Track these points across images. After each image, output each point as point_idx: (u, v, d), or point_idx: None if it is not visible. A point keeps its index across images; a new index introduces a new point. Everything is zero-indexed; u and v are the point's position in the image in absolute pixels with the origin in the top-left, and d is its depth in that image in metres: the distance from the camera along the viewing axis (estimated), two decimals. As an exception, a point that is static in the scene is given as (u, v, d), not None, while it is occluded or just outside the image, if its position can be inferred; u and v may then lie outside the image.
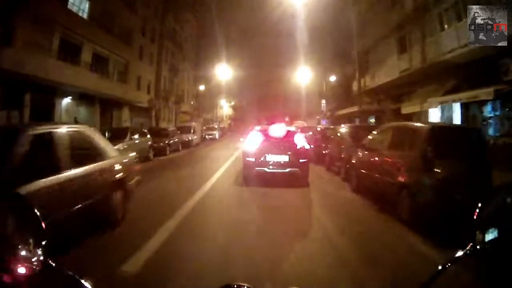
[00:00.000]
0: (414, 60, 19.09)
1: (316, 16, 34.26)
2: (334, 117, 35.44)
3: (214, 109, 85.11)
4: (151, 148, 17.50)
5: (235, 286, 1.18)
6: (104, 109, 27.61)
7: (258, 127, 11.10)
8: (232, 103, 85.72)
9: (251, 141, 10.16)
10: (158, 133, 20.85)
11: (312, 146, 13.84)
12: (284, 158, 9.65)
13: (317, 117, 42.93)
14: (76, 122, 20.80)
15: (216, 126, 41.77)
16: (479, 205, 1.16)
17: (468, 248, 1.12)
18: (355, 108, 26.75)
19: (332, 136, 13.60)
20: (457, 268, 1.26)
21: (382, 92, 24.91)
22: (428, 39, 18.18)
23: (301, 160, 9.70)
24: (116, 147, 13.30)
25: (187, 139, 24.87)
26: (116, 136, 14.60)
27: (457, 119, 17.82)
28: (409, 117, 20.02)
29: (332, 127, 18.28)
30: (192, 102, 52.01)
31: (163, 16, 39.69)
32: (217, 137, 37.50)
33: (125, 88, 30.59)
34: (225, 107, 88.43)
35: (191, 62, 52.47)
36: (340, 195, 8.90)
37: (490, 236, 1.13)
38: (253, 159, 9.78)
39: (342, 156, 10.99)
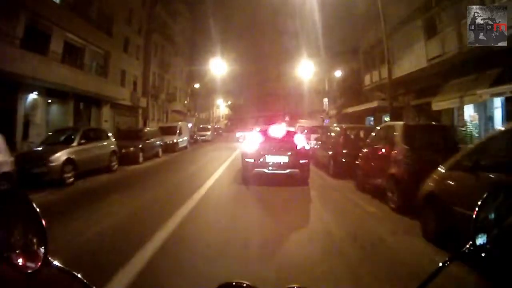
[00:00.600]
0: (447, 45, 15.57)
1: (321, 5, 30.85)
2: (341, 116, 31.86)
3: (210, 109, 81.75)
4: (114, 155, 13.73)
5: (234, 283, 1.15)
6: (79, 107, 24.05)
7: (257, 128, 11.33)
8: (229, 102, 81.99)
9: (250, 142, 10.22)
10: (128, 135, 17.75)
11: (330, 152, 12.67)
12: (284, 159, 9.65)
13: (321, 116, 39.28)
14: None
15: (209, 127, 38.14)
16: (479, 203, 1.13)
17: (467, 246, 1.09)
18: (369, 105, 23.21)
19: (369, 139, 9.81)
20: (456, 267, 1.27)
21: (402, 85, 21.40)
22: (465, 20, 14.67)
23: (301, 161, 9.72)
24: (55, 155, 9.83)
25: (171, 142, 21.22)
26: (59, 140, 11.46)
27: (498, 116, 14.45)
28: (438, 115, 16.62)
29: (362, 126, 15.01)
30: (185, 101, 48.23)
31: (151, 6, 36.10)
32: (210, 138, 34.14)
33: (106, 83, 27.09)
34: (221, 107, 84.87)
35: (184, 57, 48.78)
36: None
37: (489, 235, 1.09)
38: (252, 160, 9.76)
39: (393, 171, 7.37)
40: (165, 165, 16.70)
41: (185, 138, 24.27)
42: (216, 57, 42.24)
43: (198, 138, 31.49)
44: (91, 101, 25.37)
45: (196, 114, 46.19)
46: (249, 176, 9.87)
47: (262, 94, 68.31)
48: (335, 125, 18.91)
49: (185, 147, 24.28)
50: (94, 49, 25.86)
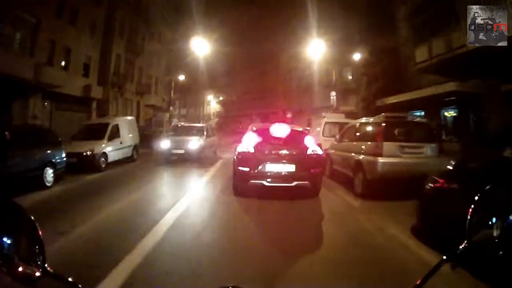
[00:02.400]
0: None
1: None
2: (367, 112, 23.37)
3: (201, 105, 73.28)
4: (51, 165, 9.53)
5: (230, 287, 1.17)
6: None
7: (253, 127, 9.16)
8: (221, 98, 73.24)
9: (244, 146, 8.22)
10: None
11: (360, 156, 8.72)
12: (289, 168, 7.77)
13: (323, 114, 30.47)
14: None
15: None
16: (475, 199, 1.11)
17: (461, 247, 1.08)
18: (431, 91, 15.15)
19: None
20: (451, 267, 1.12)
21: (471, 63, 13.23)
22: None
23: (312, 171, 7.78)
24: None
25: (86, 154, 12.04)
26: None
27: None
28: None
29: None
30: (163, 98, 39.32)
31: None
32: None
33: (36, 64, 18.83)
34: (212, 103, 76.36)
35: (164, 43, 40.07)
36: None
37: (485, 233, 1.08)
38: (247, 169, 7.83)
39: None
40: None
41: (128, 144, 15.19)
42: (205, 45, 33.67)
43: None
44: (12, 88, 17.11)
45: (171, 108, 36.95)
46: (243, 189, 8.07)
47: (258, 89, 59.86)
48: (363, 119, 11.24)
49: (132, 158, 15.45)
50: (18, 15, 17.77)
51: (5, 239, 1.03)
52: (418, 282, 1.06)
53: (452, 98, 16.95)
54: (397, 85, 21.01)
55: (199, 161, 14.46)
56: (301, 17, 35.15)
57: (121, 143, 14.28)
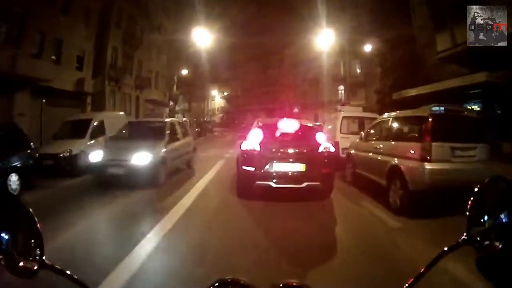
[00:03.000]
0: None
1: None
2: (383, 106, 21.62)
3: (206, 100, 71.82)
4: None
5: (230, 280, 1.08)
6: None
7: (259, 122, 8.31)
8: (225, 93, 71.60)
9: (249, 143, 7.44)
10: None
11: (396, 161, 6.86)
12: (299, 167, 7.07)
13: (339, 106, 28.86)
14: None
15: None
16: (475, 190, 1.09)
17: (461, 239, 1.08)
18: (457, 82, 13.58)
19: None
20: (450, 259, 1.13)
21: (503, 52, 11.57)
22: None
23: (324, 170, 7.09)
24: None
25: (63, 156, 10.51)
26: None
27: None
28: None
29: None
30: (165, 92, 37.72)
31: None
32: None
33: (22, 57, 17.41)
34: (217, 98, 74.84)
35: (166, 34, 38.43)
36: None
37: (485, 225, 1.07)
38: (252, 169, 7.15)
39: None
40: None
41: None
42: (208, 37, 32.06)
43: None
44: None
45: (170, 103, 35.32)
46: (248, 190, 7.33)
47: (263, 84, 58.14)
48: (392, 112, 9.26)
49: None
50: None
51: (3, 232, 1.03)
52: (419, 274, 1.08)
53: (477, 90, 15.27)
54: (414, 76, 19.27)
55: (155, 184, 8.69)
56: (308, 6, 33.46)
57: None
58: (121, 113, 16.50)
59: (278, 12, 49.13)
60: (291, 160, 7.19)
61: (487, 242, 1.05)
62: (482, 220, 1.07)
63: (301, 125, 7.76)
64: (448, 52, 15.96)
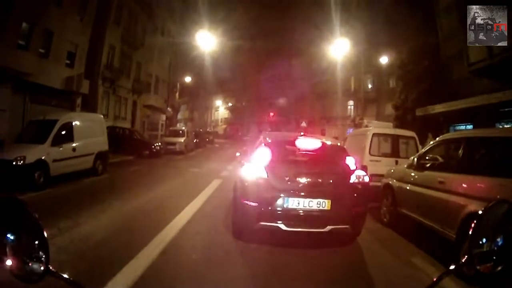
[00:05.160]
0: None
1: None
2: (407, 121, 19.29)
3: (209, 110, 70.17)
4: None
5: None
6: None
7: (268, 138, 6.10)
8: (230, 104, 69.77)
9: (253, 167, 5.35)
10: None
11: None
12: (322, 205, 5.02)
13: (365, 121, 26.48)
14: None
15: (182, 129, 25.29)
16: (479, 212, 1.09)
17: (462, 261, 1.06)
18: (485, 99, 11.62)
19: None
20: (452, 280, 1.15)
21: None
22: None
23: (355, 210, 5.14)
24: None
25: (16, 164, 8.31)
26: None
27: None
28: None
29: None
30: (165, 99, 35.65)
31: None
32: (178, 148, 21.70)
33: (4, 46, 15.63)
34: (221, 109, 73.12)
35: (169, 37, 36.67)
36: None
37: (486, 247, 1.08)
38: (255, 204, 5.06)
39: None
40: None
41: (88, 152, 10.99)
42: (213, 42, 30.47)
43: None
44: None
45: (168, 109, 33.24)
46: (248, 232, 5.28)
47: (268, 96, 56.40)
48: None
49: (94, 171, 11.30)
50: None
51: (10, 238, 1.02)
52: None
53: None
54: (439, 90, 17.18)
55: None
56: (321, 17, 31.80)
57: (74, 149, 10.34)
58: (99, 116, 14.41)
59: (286, 23, 47.78)
60: (310, 193, 5.14)
61: (487, 264, 1.05)
62: (480, 243, 1.08)
63: (323, 144, 5.75)
64: (481, 64, 13.94)
